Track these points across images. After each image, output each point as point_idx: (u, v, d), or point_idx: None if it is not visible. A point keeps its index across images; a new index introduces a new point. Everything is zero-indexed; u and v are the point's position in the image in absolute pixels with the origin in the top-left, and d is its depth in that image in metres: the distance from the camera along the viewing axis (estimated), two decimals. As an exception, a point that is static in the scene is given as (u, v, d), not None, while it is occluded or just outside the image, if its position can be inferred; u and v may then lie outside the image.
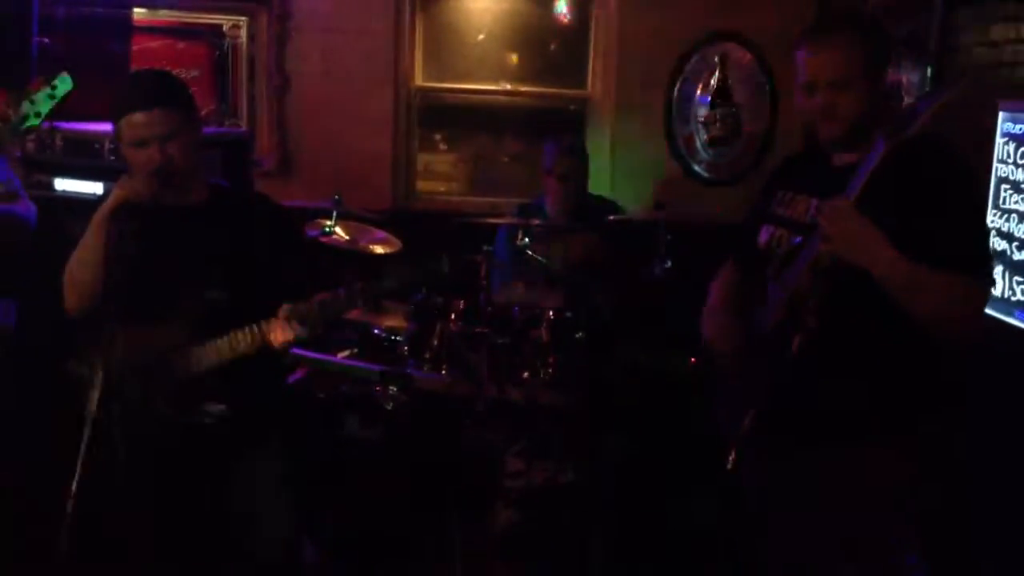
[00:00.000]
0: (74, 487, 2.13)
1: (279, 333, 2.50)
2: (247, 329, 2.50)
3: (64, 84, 3.11)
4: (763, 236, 2.47)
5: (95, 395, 2.20)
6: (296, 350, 3.12)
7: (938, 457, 2.37)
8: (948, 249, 2.12)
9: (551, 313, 3.95)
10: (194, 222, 2.59)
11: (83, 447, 2.17)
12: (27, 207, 3.39)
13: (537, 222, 4.26)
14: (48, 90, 3.08)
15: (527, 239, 4.18)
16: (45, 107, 3.10)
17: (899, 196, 2.14)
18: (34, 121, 3.12)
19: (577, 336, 4.00)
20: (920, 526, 2.34)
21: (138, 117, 2.46)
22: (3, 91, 3.24)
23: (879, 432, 2.27)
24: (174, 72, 5.12)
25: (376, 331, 4.09)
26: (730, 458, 2.33)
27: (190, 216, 2.59)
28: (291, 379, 3.82)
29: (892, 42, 2.46)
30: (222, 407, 2.51)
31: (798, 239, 2.31)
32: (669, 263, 4.35)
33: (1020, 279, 3.38)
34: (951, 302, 2.13)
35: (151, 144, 2.46)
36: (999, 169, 3.50)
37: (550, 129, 5.39)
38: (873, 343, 2.24)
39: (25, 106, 3.08)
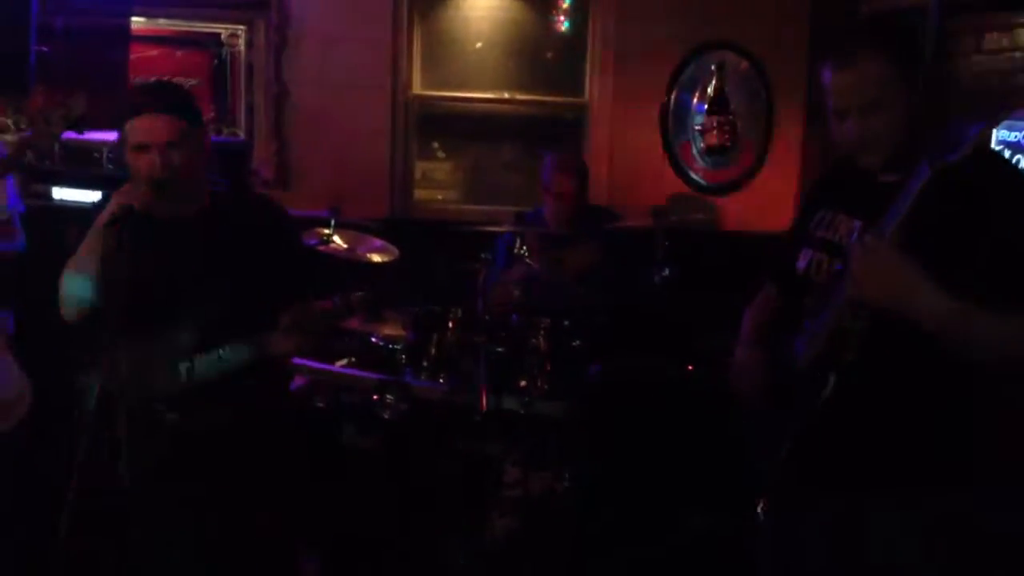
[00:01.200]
0: (72, 494, 2.13)
1: (280, 344, 2.51)
2: (249, 339, 2.50)
3: (78, 107, 3.12)
4: (802, 261, 2.27)
5: (94, 403, 2.21)
6: (296, 359, 3.13)
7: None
8: (1011, 279, 1.92)
9: (549, 322, 3.96)
10: (196, 232, 2.58)
11: (83, 454, 2.17)
12: (17, 241, 3.41)
13: (535, 231, 4.26)
14: (64, 111, 3.09)
15: (525, 248, 4.19)
16: (60, 128, 3.11)
17: (948, 224, 1.94)
18: (46, 142, 3.14)
19: (575, 344, 4.01)
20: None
21: (143, 121, 2.47)
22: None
23: (924, 477, 2.09)
24: (172, 80, 5.24)
25: (374, 340, 4.10)
26: (760, 505, 2.22)
27: (192, 226, 2.59)
28: (291, 387, 3.82)
29: (922, 52, 2.22)
30: (224, 414, 2.51)
31: (840, 266, 2.12)
32: (667, 271, 4.35)
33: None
34: (1012, 345, 1.92)
35: (152, 150, 2.47)
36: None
37: (548, 137, 5.42)
38: (918, 381, 2.05)
39: (41, 127, 3.09)
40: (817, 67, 2.13)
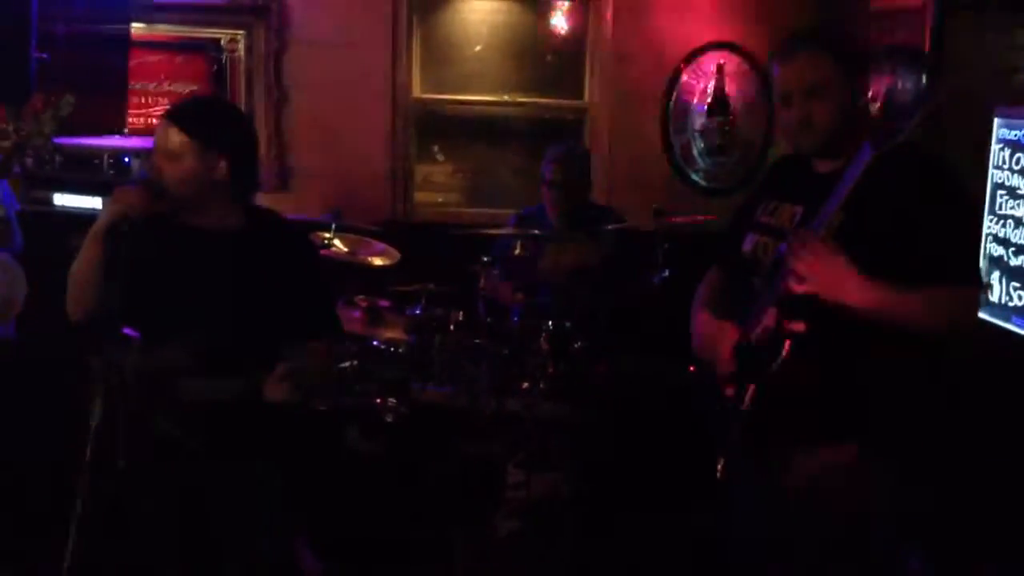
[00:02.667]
0: (79, 501, 2.13)
1: (273, 390, 2.47)
2: (247, 377, 2.46)
3: (67, 106, 3.12)
4: (748, 244, 2.45)
5: (99, 406, 2.20)
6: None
7: (926, 460, 2.37)
8: (938, 258, 2.11)
9: (550, 323, 3.96)
10: (220, 247, 2.55)
11: (86, 457, 2.17)
12: (15, 243, 3.42)
13: (535, 232, 4.26)
14: (52, 111, 3.09)
15: (526, 249, 4.19)
16: (50, 128, 3.11)
17: (885, 205, 2.13)
18: (39, 140, 3.14)
19: (576, 346, 4.01)
20: (920, 529, 2.33)
21: (157, 127, 2.50)
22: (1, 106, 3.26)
23: (863, 435, 2.26)
24: (169, 85, 5.26)
25: (376, 343, 4.10)
26: (719, 466, 2.34)
27: (217, 240, 2.56)
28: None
29: (868, 54, 2.51)
30: (223, 431, 2.49)
31: (783, 246, 2.28)
32: (667, 272, 4.36)
33: (1017, 284, 3.39)
34: (942, 316, 2.12)
35: (156, 156, 2.47)
36: (995, 175, 3.51)
37: (548, 139, 5.39)
38: (861, 347, 2.21)
39: (32, 127, 3.09)
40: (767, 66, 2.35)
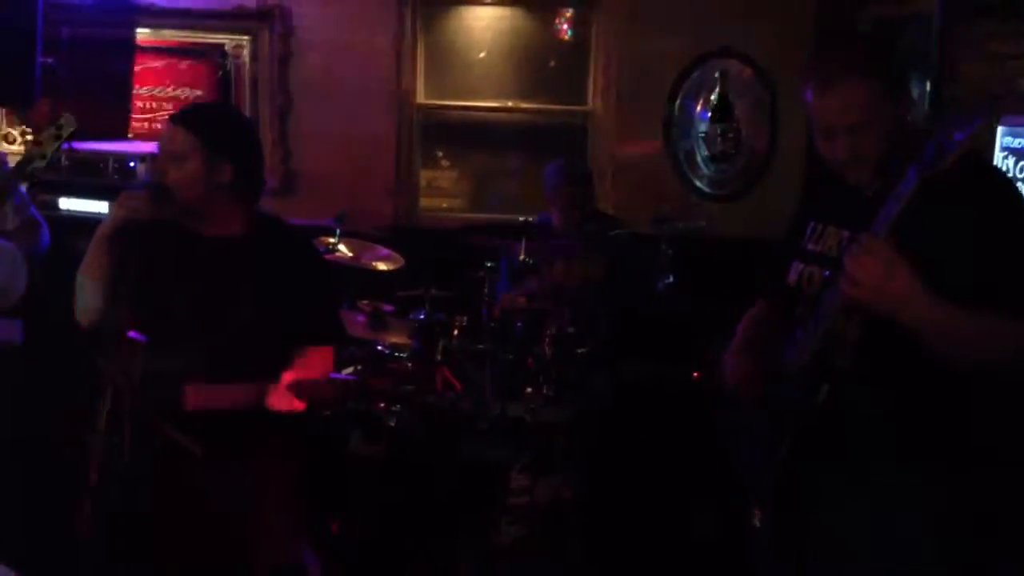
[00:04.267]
0: (90, 494, 2.14)
1: (278, 400, 2.47)
2: (252, 385, 2.47)
3: (69, 125, 3.14)
4: (793, 274, 2.28)
5: (105, 409, 2.21)
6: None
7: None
8: (995, 286, 1.92)
9: (554, 329, 3.97)
10: (223, 254, 2.55)
11: (98, 455, 2.17)
12: (41, 242, 3.44)
13: (540, 240, 4.27)
14: (53, 131, 3.10)
15: (530, 256, 4.20)
16: (51, 148, 3.12)
17: (935, 230, 1.93)
18: (40, 163, 3.15)
19: (579, 352, 4.02)
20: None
21: (164, 129, 2.51)
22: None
23: (915, 478, 2.10)
24: (174, 91, 5.27)
25: (379, 347, 4.10)
26: (756, 514, 2.21)
27: (220, 247, 2.55)
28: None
29: (907, 64, 2.23)
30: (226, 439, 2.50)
31: (828, 273, 2.13)
32: (671, 278, 4.37)
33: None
34: (997, 349, 1.93)
35: (160, 158, 2.48)
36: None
37: (552, 145, 5.42)
38: (911, 387, 2.05)
39: (33, 151, 3.11)
40: (800, 81, 2.15)
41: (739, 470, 2.35)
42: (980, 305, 1.89)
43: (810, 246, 2.27)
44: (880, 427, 2.10)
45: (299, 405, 2.47)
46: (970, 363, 1.95)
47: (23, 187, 3.41)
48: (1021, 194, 2.08)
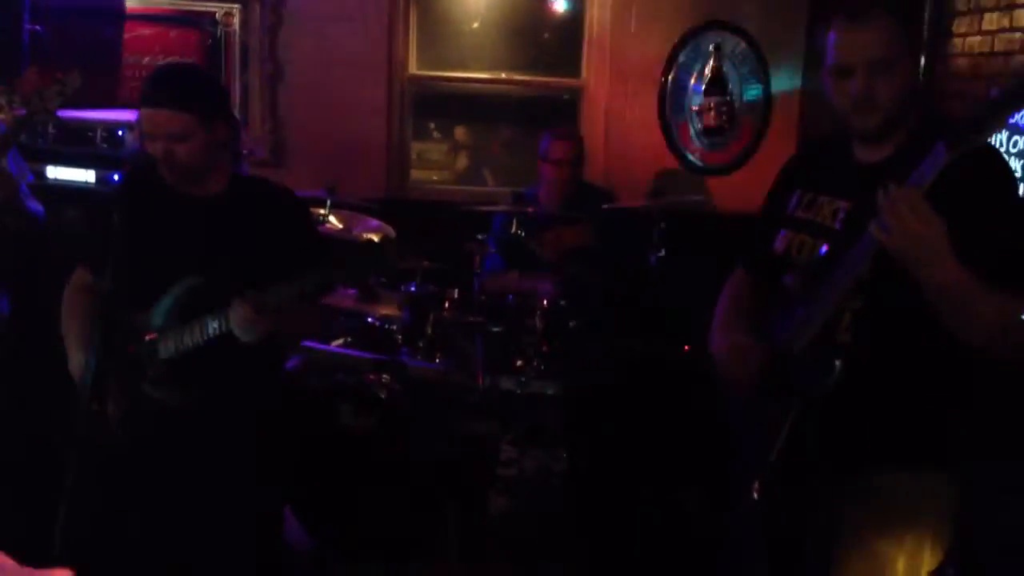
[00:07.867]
0: (72, 469, 2.13)
1: (237, 314, 2.38)
2: (216, 312, 2.43)
3: (73, 82, 3.09)
4: (780, 242, 2.24)
5: (89, 378, 2.20)
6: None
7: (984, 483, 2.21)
8: (1012, 266, 1.91)
9: (545, 302, 3.96)
10: (208, 214, 2.56)
11: (81, 428, 2.17)
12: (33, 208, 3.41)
13: (531, 210, 4.26)
14: (59, 87, 3.06)
15: (521, 228, 4.19)
16: (55, 104, 3.08)
17: (961, 207, 1.88)
18: (43, 117, 3.12)
19: (570, 325, 4.01)
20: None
21: (148, 113, 2.46)
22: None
23: (929, 456, 2.10)
24: (163, 59, 5.22)
25: (370, 319, 4.09)
26: (755, 488, 2.17)
27: (204, 207, 2.56)
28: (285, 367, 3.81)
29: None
30: (209, 392, 2.49)
31: (824, 248, 2.09)
32: (663, 252, 4.36)
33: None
34: (1006, 326, 1.91)
35: (158, 140, 2.46)
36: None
37: (544, 118, 5.40)
38: (914, 363, 2.05)
39: (34, 102, 3.06)
40: (820, 30, 2.13)
41: (738, 444, 2.32)
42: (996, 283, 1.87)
43: (800, 213, 2.23)
44: (883, 407, 2.08)
45: (266, 324, 2.37)
46: (981, 337, 1.93)
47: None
48: None
